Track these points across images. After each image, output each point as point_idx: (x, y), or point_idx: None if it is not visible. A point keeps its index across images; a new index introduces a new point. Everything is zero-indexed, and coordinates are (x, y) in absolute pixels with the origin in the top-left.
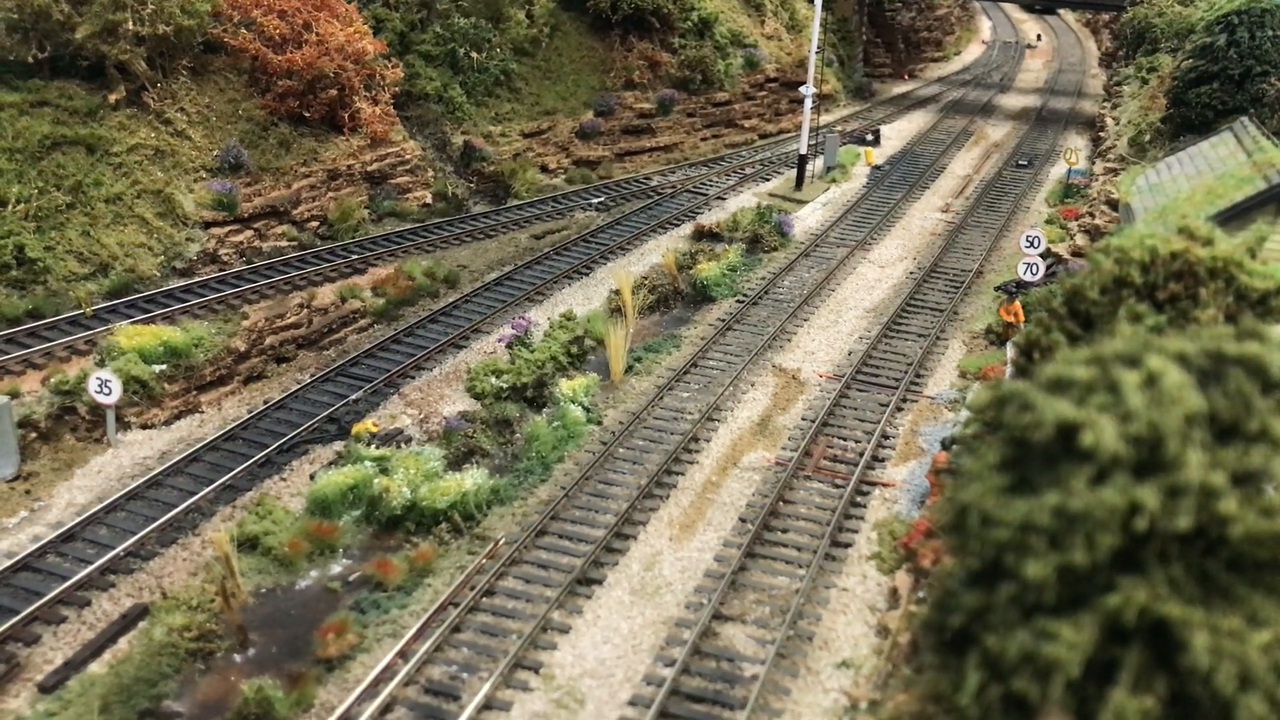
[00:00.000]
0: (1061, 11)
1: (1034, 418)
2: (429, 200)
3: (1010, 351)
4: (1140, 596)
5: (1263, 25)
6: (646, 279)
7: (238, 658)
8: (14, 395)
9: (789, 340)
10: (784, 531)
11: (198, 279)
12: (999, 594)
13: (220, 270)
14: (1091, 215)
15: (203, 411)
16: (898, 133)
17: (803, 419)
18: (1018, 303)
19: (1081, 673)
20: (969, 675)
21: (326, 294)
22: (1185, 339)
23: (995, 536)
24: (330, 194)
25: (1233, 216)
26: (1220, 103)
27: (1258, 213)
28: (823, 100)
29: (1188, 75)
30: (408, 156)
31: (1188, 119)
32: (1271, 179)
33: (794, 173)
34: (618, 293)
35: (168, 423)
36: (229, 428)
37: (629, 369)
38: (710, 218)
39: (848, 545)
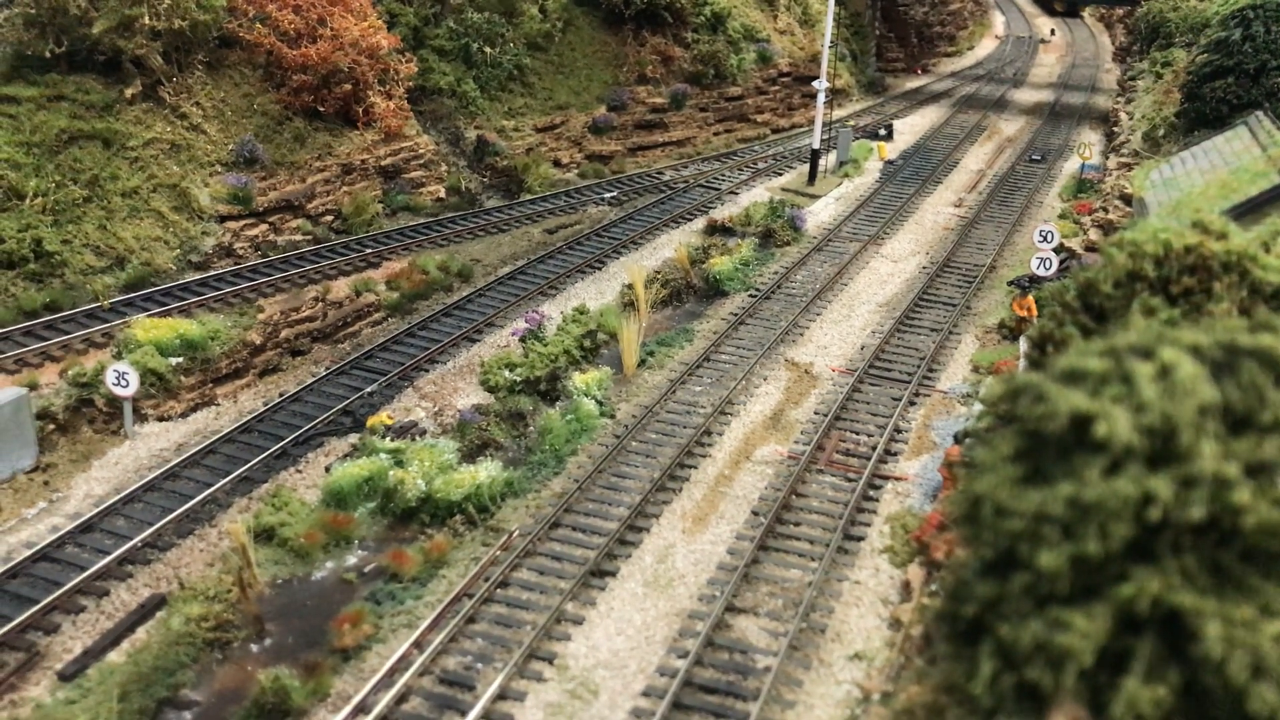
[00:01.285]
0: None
1: (1048, 409)
2: (442, 195)
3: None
4: (1153, 586)
5: (1278, 19)
6: (659, 273)
7: (254, 647)
8: (32, 387)
9: (801, 334)
10: (796, 525)
11: (213, 272)
12: (1012, 584)
13: (235, 264)
14: (1105, 210)
15: (219, 404)
16: (910, 127)
17: (815, 413)
18: (1031, 297)
19: (1094, 662)
20: (982, 664)
21: (341, 288)
22: (1199, 331)
23: (1009, 527)
24: (344, 188)
25: (1247, 211)
26: (1235, 97)
27: (1272, 207)
28: (835, 95)
29: (1202, 70)
30: (421, 151)
31: (1202, 113)
32: None
33: (806, 167)
34: (630, 287)
35: (184, 415)
36: (245, 420)
37: (642, 363)
38: (723, 212)
39: (860, 539)
